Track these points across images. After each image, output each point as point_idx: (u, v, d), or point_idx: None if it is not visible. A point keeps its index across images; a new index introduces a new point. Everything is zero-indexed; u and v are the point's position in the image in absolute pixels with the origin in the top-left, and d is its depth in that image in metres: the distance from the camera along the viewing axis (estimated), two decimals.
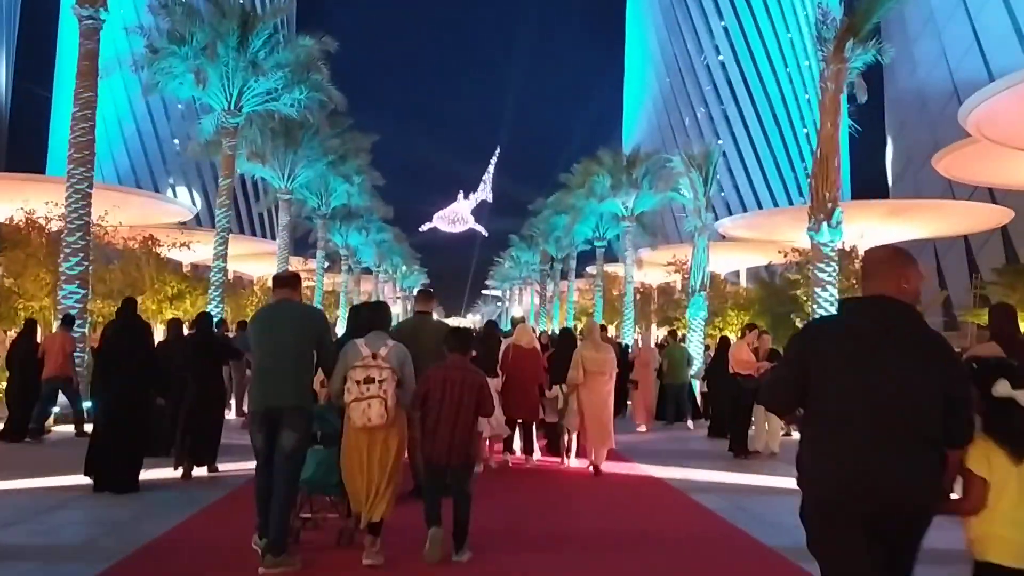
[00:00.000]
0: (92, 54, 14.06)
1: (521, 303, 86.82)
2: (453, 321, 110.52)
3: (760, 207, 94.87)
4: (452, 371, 6.02)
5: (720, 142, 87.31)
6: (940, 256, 54.96)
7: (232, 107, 21.77)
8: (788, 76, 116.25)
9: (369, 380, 5.65)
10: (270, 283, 7.63)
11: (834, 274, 14.65)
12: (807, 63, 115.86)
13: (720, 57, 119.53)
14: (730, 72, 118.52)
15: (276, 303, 6.25)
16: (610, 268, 44.92)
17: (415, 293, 11.02)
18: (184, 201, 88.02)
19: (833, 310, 14.67)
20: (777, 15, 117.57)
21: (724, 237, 36.28)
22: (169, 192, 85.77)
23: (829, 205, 14.52)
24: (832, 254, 14.70)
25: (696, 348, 22.24)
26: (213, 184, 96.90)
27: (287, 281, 6.30)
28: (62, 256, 13.88)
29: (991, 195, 44.71)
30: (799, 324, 22.37)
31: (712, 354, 15.82)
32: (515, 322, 14.34)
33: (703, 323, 23.13)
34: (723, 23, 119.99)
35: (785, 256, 24.58)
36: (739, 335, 10.78)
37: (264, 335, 6.02)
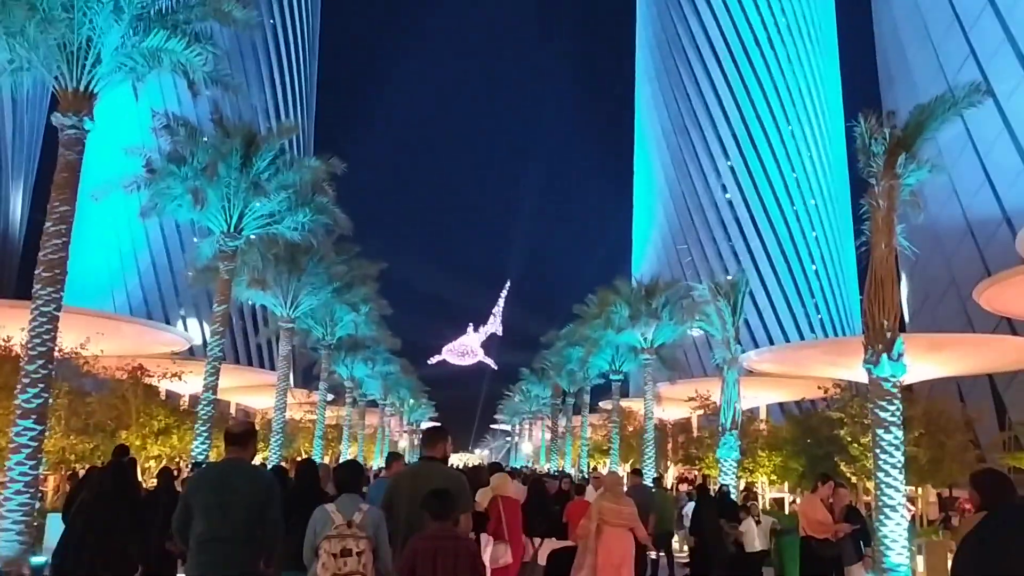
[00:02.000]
0: (72, 166, 12.87)
1: (531, 438, 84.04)
2: (460, 458, 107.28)
3: (771, 342, 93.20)
4: (443, 540, 5.00)
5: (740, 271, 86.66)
6: (964, 394, 52.62)
7: (232, 230, 20.62)
8: (795, 214, 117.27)
9: (346, 552, 4.97)
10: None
11: (898, 413, 12.79)
12: (812, 201, 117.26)
13: (727, 195, 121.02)
14: (737, 210, 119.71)
15: (222, 463, 5.65)
16: (625, 403, 42.90)
17: (422, 431, 9.38)
18: (189, 332, 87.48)
19: (898, 455, 12.76)
20: (782, 154, 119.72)
21: (750, 372, 34.52)
22: (180, 323, 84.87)
23: (888, 334, 12.84)
24: (894, 391, 12.89)
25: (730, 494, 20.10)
26: (230, 323, 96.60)
27: (238, 438, 5.57)
28: (19, 387, 12.22)
29: (1011, 329, 42.76)
30: (844, 468, 20.26)
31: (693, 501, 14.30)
32: (492, 468, 12.52)
33: (735, 464, 21.04)
34: (729, 162, 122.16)
35: (826, 392, 22.65)
36: (811, 488, 8.87)
37: (209, 498, 5.25)
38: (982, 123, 56.70)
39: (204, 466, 5.80)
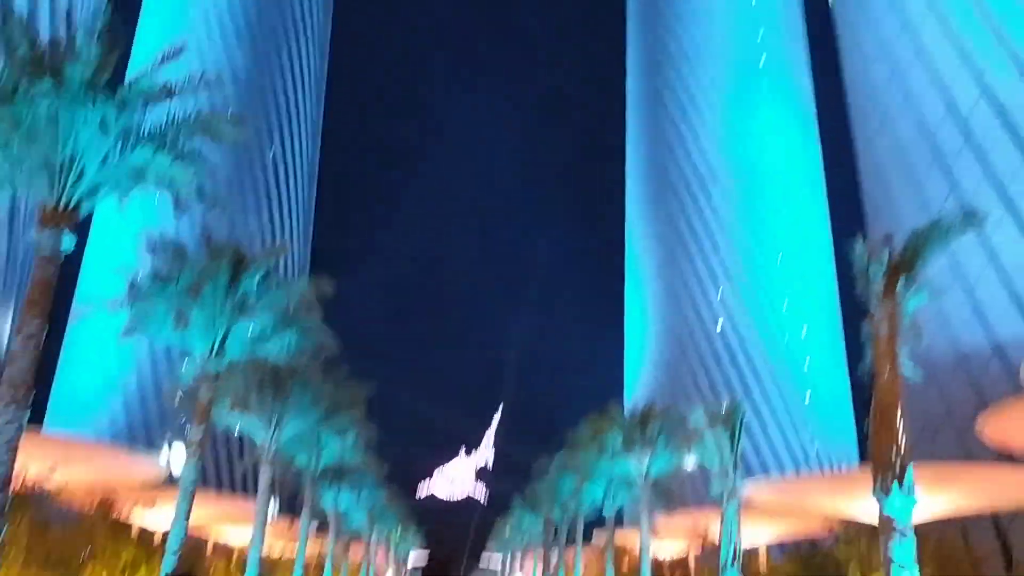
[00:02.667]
0: (46, 285, 12.44)
1: (523, 570, 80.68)
2: None
3: (766, 473, 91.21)
4: None
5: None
6: (968, 533, 50.62)
7: (215, 352, 20.06)
8: (786, 345, 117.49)
9: None
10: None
11: (911, 551, 11.96)
12: (804, 328, 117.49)
13: (720, 320, 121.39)
14: (729, 338, 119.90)
15: None
16: (621, 533, 41.21)
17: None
18: (174, 457, 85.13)
19: None
20: (772, 283, 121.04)
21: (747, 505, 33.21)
22: (165, 448, 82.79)
23: (898, 463, 12.17)
24: (906, 524, 12.11)
25: None
26: (209, 442, 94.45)
27: None
28: None
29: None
30: None
31: None
32: None
33: None
34: (720, 291, 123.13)
35: (830, 529, 21.58)
36: None
37: None
38: (968, 256, 57.35)
39: None
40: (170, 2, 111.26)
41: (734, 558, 19.72)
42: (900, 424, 12.37)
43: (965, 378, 64.11)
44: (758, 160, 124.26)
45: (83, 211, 13.10)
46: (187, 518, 18.89)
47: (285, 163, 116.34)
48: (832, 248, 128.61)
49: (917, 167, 69.98)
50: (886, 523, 12.19)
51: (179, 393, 23.13)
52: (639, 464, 28.49)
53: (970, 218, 12.71)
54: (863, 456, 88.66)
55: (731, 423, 20.73)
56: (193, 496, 19.26)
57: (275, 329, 20.60)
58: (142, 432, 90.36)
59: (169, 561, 18.63)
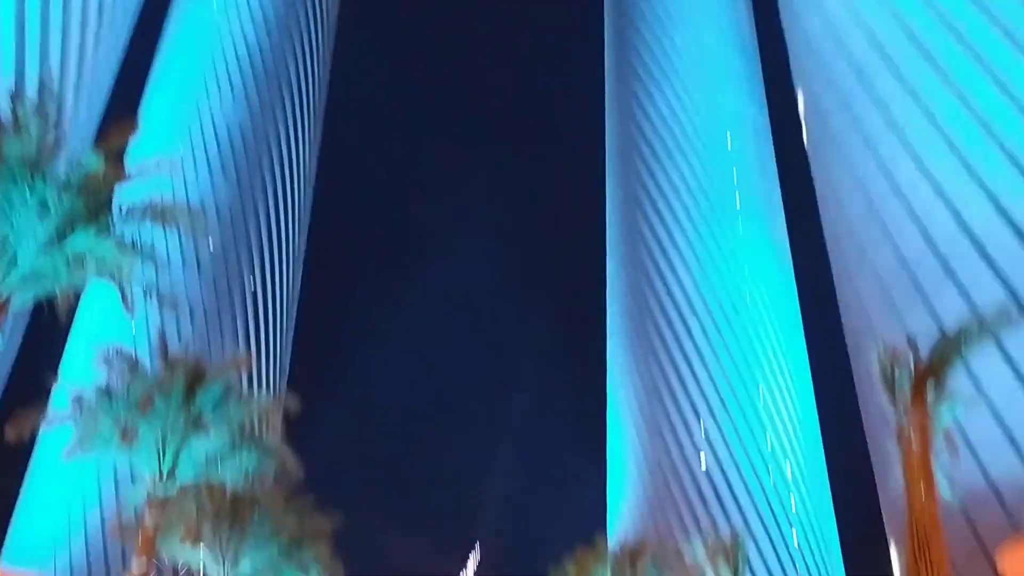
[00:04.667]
0: None
1: None
2: None
3: None
4: None
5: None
6: None
7: (166, 474, 18.15)
8: (772, 483, 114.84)
9: None
10: None
11: None
12: (787, 461, 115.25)
13: (702, 455, 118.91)
14: (713, 476, 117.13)
15: None
16: None
17: None
18: None
19: None
20: (755, 419, 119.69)
21: None
22: None
23: None
24: None
25: None
26: None
27: None
28: None
29: None
30: None
31: None
32: None
33: None
34: (703, 428, 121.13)
35: None
36: None
37: None
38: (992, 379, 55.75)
39: None
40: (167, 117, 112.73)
41: None
42: (940, 552, 10.72)
43: (996, 507, 61.28)
44: (736, 295, 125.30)
45: (15, 304, 11.64)
46: None
47: (265, 292, 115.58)
48: (812, 384, 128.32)
49: (899, 301, 70.23)
50: None
51: (119, 522, 20.95)
52: None
53: (1005, 317, 11.51)
54: None
55: (733, 558, 18.82)
56: None
57: (232, 449, 18.77)
58: (102, 572, 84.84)
59: None
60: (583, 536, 29.86)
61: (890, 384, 11.56)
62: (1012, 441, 53.83)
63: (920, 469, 11.04)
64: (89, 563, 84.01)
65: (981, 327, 11.74)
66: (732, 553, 18.72)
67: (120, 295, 12.54)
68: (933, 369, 11.46)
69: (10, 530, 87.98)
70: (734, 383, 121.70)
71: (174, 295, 15.56)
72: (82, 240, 11.34)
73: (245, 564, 24.25)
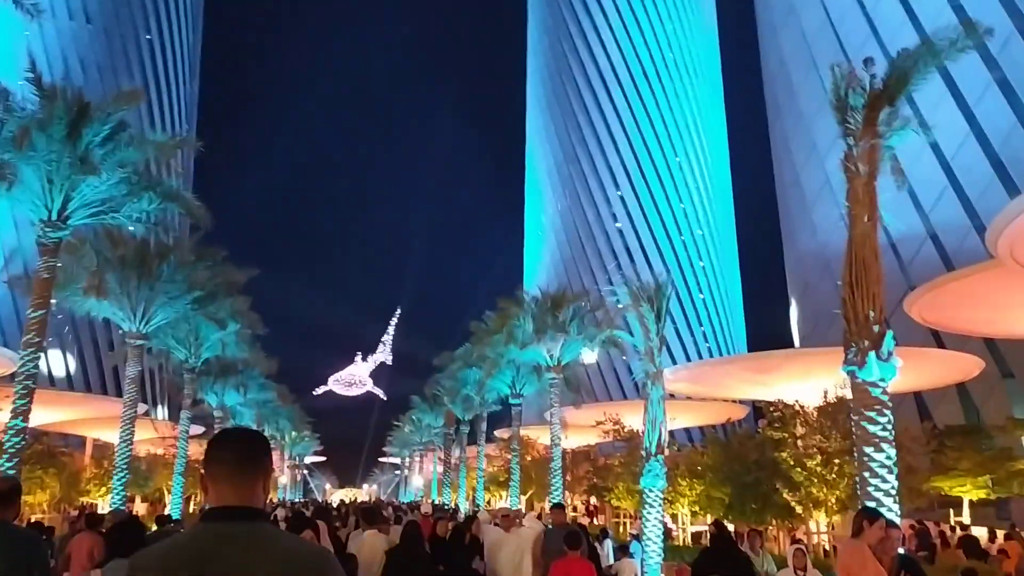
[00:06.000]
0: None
1: (422, 471, 79.93)
2: (347, 493, 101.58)
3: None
4: None
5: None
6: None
7: (55, 217, 16.65)
8: (683, 243, 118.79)
9: None
10: None
11: (889, 427, 10.24)
12: (699, 231, 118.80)
13: (618, 224, 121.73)
14: (627, 238, 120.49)
15: None
16: (523, 431, 39.96)
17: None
18: (51, 365, 79.31)
19: (892, 478, 10.20)
20: (669, 184, 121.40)
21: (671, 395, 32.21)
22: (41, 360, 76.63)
23: (876, 328, 10.32)
24: (885, 398, 10.35)
25: (654, 529, 17.37)
26: (90, 345, 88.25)
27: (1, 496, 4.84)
28: None
29: (938, 343, 41.97)
30: (787, 496, 17.83)
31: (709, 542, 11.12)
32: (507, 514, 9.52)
33: (660, 496, 18.26)
34: (619, 192, 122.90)
35: (772, 410, 20.06)
36: (854, 529, 5.91)
37: None
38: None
39: None
40: None
41: (659, 446, 18.10)
42: (879, 283, 10.44)
43: (832, 282, 64.74)
44: (657, 61, 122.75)
45: None
46: (24, 414, 15.82)
47: (164, 50, 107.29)
48: (728, 151, 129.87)
49: (821, 62, 69.24)
50: (860, 396, 10.39)
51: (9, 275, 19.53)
52: (550, 351, 26.67)
53: (971, 32, 10.61)
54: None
55: (657, 301, 18.81)
56: (33, 387, 16.15)
57: (129, 192, 17.26)
58: (15, 333, 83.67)
59: (6, 463, 15.65)
60: (502, 295, 30.03)
61: (842, 105, 10.74)
62: (954, 185, 54.67)
63: (864, 195, 10.50)
64: (2, 325, 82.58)
65: (933, 53, 10.84)
66: (656, 297, 18.67)
67: None
68: (887, 92, 10.64)
69: None
70: (651, 147, 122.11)
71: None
72: None
73: (157, 317, 23.46)
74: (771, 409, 20.00)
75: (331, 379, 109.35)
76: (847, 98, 10.81)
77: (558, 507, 11.28)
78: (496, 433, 54.83)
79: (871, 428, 10.20)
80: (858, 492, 10.79)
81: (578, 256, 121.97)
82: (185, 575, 2.24)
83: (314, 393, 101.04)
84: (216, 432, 2.76)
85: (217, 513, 2.43)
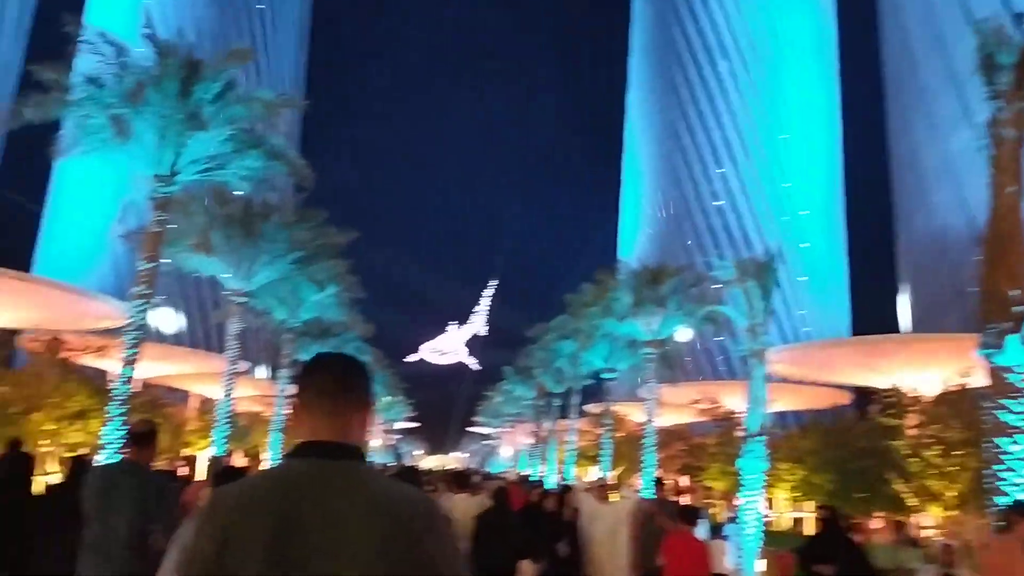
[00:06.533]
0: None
1: (511, 443, 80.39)
2: (436, 461, 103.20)
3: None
4: None
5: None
6: None
7: (166, 173, 17.00)
8: (786, 223, 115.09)
9: None
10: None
11: None
12: (804, 212, 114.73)
13: (718, 202, 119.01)
14: (727, 218, 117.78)
15: (114, 464, 5.61)
16: (615, 408, 39.44)
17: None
18: (160, 320, 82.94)
19: None
20: (774, 162, 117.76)
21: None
22: (151, 311, 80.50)
23: (1016, 308, 9.43)
24: None
25: (753, 512, 16.72)
26: (196, 303, 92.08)
27: (137, 439, 5.23)
28: None
29: None
30: (900, 487, 16.85)
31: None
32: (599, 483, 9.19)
33: (762, 479, 17.56)
34: (721, 169, 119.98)
35: (886, 396, 18.98)
36: (1003, 523, 5.25)
37: (93, 503, 5.05)
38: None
39: (94, 469, 5.63)
40: None
41: (761, 427, 17.38)
42: (1020, 258, 9.51)
43: (949, 267, 60.87)
44: (769, 37, 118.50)
45: None
46: (132, 363, 16.30)
47: (273, 17, 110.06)
48: (841, 133, 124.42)
49: (948, 33, 65.46)
50: (997, 382, 9.53)
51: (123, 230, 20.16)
52: (648, 325, 26.02)
53: None
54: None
55: (764, 277, 18.01)
56: (139, 339, 16.62)
57: (236, 150, 17.48)
58: (126, 278, 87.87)
59: (115, 409, 16.16)
60: (597, 268, 29.48)
61: (989, 64, 9.79)
62: None
63: (1010, 162, 9.57)
64: (118, 279, 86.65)
65: None
66: (764, 271, 17.86)
67: None
68: None
69: (38, 247, 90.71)
70: (757, 126, 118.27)
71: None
72: None
73: (260, 276, 23.91)
74: (884, 396, 18.94)
75: (424, 347, 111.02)
76: (995, 57, 9.84)
77: (658, 483, 10.74)
78: (586, 408, 54.44)
79: (1006, 417, 9.34)
80: (985, 487, 9.96)
81: (675, 233, 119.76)
82: (268, 518, 1.89)
83: (407, 360, 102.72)
84: (313, 357, 2.35)
85: (308, 448, 2.08)
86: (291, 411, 2.21)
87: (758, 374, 17.70)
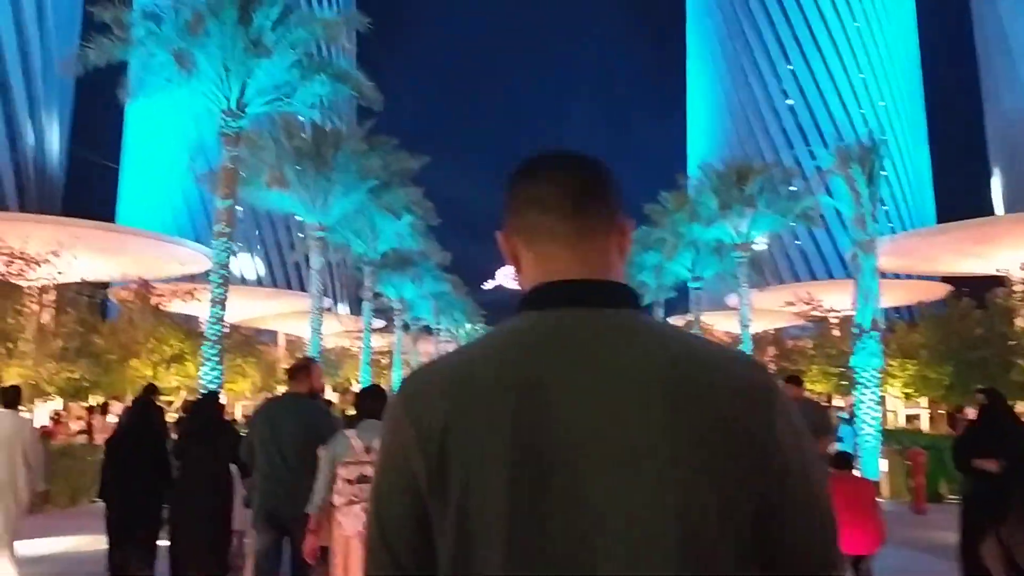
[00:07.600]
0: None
1: None
2: None
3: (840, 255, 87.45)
4: None
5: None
6: None
7: (234, 106, 16.53)
8: (863, 117, 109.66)
9: (363, 479, 4.61)
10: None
11: None
12: (882, 103, 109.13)
13: (789, 101, 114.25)
14: (800, 116, 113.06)
15: (280, 397, 6.25)
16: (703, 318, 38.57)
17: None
18: (242, 266, 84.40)
19: None
20: (847, 54, 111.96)
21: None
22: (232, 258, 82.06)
23: None
24: None
25: (870, 411, 15.89)
26: (273, 245, 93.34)
27: (294, 372, 5.91)
28: None
29: None
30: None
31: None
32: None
33: (877, 377, 16.63)
34: (790, 66, 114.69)
35: (1002, 279, 17.70)
36: None
37: (264, 433, 5.50)
38: None
39: (260, 405, 6.26)
40: None
41: (873, 322, 16.38)
42: None
43: None
44: None
45: None
46: (221, 303, 16.16)
47: None
48: (916, 20, 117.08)
49: None
50: None
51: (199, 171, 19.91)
52: (736, 228, 24.88)
53: None
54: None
55: (868, 163, 16.75)
56: (225, 278, 16.44)
57: (302, 77, 16.87)
58: (206, 232, 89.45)
59: (209, 350, 16.14)
60: (665, 179, 28.38)
61: None
62: None
63: None
64: (194, 222, 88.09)
65: None
66: (868, 156, 16.59)
67: None
68: None
69: (118, 198, 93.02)
70: (827, 14, 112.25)
71: None
72: None
73: (335, 209, 23.50)
74: (999, 281, 17.65)
75: (500, 272, 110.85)
76: None
77: (793, 380, 9.21)
78: (670, 320, 53.63)
79: None
80: None
81: (745, 137, 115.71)
82: (510, 396, 1.03)
83: (483, 287, 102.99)
84: (526, 160, 1.28)
85: (553, 293, 1.16)
86: (504, 247, 1.30)
87: (867, 267, 16.60)
